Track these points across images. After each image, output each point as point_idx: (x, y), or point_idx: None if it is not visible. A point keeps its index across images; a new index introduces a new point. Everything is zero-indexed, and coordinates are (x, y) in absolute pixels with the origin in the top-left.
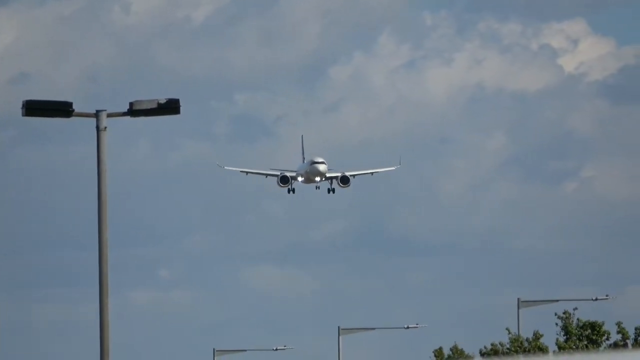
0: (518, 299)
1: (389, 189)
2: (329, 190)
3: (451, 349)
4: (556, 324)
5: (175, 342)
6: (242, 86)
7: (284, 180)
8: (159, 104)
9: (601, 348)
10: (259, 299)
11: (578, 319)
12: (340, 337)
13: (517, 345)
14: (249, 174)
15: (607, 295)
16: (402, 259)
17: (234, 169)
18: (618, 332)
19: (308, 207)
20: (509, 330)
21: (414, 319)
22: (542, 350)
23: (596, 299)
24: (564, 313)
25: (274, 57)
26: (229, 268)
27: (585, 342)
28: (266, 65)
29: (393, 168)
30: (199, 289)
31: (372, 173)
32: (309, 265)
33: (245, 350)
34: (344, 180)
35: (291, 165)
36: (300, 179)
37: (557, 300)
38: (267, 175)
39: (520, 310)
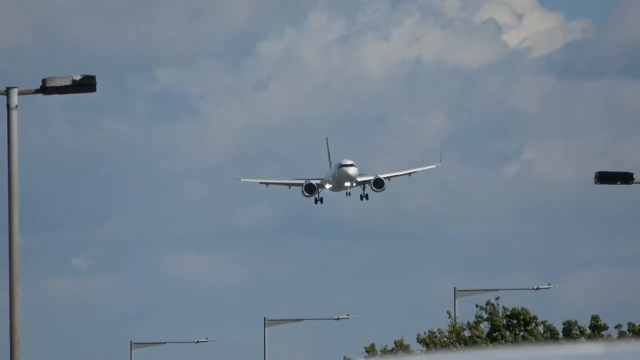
0: (454, 288)
1: None
2: (361, 197)
3: (396, 343)
4: (481, 316)
5: (90, 334)
6: (164, 62)
7: (310, 188)
8: (73, 81)
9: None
10: (180, 288)
11: (504, 308)
12: (266, 329)
13: (456, 334)
14: (269, 185)
15: (549, 284)
16: (332, 244)
17: (251, 180)
18: (545, 331)
19: (230, 190)
20: (449, 314)
21: (345, 309)
22: (481, 338)
23: (537, 288)
24: (487, 303)
25: (198, 31)
26: (149, 255)
27: (516, 332)
28: (190, 40)
29: (433, 166)
30: (116, 277)
31: (409, 174)
32: (234, 251)
33: (164, 343)
34: (378, 184)
35: (217, 149)
36: (327, 186)
37: (496, 290)
38: (290, 185)
39: (457, 300)
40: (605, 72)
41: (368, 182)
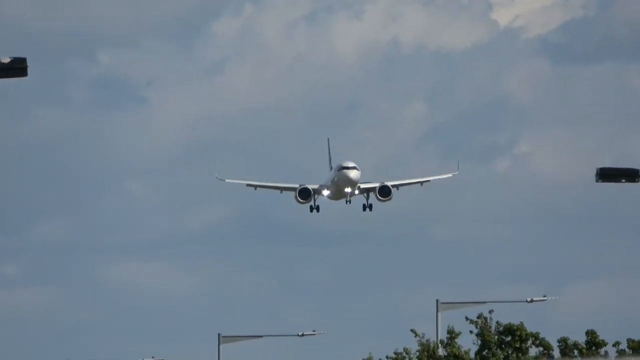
0: (437, 300)
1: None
2: (364, 207)
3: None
4: (470, 331)
5: (22, 351)
6: (105, 43)
7: (304, 194)
8: (1, 64)
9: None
10: (122, 301)
11: (497, 323)
12: (221, 346)
13: (428, 353)
14: (257, 188)
15: (544, 296)
16: (296, 251)
17: (237, 181)
18: (538, 345)
19: (182, 189)
20: (415, 333)
21: (311, 325)
22: (459, 357)
23: (532, 301)
24: (478, 317)
25: (144, 8)
26: (86, 263)
27: (509, 351)
28: (135, 18)
29: (450, 175)
30: (50, 288)
31: (421, 182)
32: (184, 259)
33: None
34: (384, 192)
35: (166, 142)
36: (325, 192)
37: (484, 302)
38: (282, 189)
39: (439, 314)
40: (609, 54)
41: (373, 189)
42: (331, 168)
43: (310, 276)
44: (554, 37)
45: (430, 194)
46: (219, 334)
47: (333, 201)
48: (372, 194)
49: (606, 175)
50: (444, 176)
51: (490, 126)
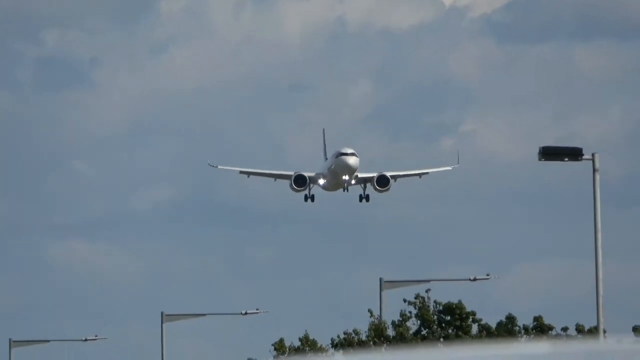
0: (380, 279)
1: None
2: (361, 198)
3: (301, 340)
4: (409, 312)
5: None
6: (47, 22)
7: (300, 181)
8: None
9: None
10: (65, 280)
11: (436, 302)
12: (164, 325)
13: (378, 333)
14: (250, 175)
15: (487, 275)
16: (241, 231)
17: (229, 168)
18: (481, 330)
19: (126, 169)
20: (371, 313)
21: (254, 304)
22: (406, 337)
23: (475, 279)
24: (416, 297)
25: None
26: (29, 242)
27: (449, 330)
28: None
29: (449, 168)
30: None
31: (419, 175)
32: (128, 239)
33: (48, 341)
34: (382, 182)
35: (109, 122)
36: (321, 182)
37: (428, 281)
38: (276, 177)
39: (383, 292)
40: (556, 34)
41: (370, 179)
42: (325, 158)
43: (254, 256)
44: (500, 16)
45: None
46: (162, 313)
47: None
48: (368, 185)
49: (549, 153)
50: (443, 169)
51: (436, 106)
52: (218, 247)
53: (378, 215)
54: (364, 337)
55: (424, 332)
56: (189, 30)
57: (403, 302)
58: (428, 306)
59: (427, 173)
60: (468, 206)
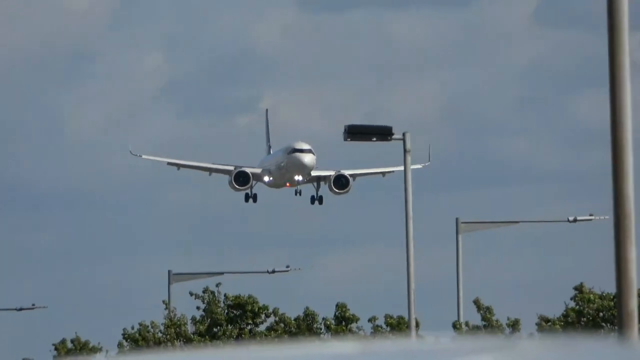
0: (169, 271)
1: None
2: (313, 199)
3: (73, 341)
4: (197, 307)
5: None
6: None
7: (241, 178)
8: None
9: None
10: None
11: (226, 296)
12: None
13: (174, 329)
14: (181, 167)
15: (288, 267)
16: (15, 215)
17: (155, 158)
18: (278, 323)
19: None
20: (165, 304)
21: (31, 299)
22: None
23: (273, 272)
24: (204, 291)
25: None
26: None
27: (241, 326)
28: None
29: (420, 166)
30: None
31: (383, 174)
32: None
33: None
34: (340, 183)
35: None
36: (266, 179)
37: (222, 273)
38: (210, 171)
39: (172, 286)
40: (365, 1)
41: (325, 178)
42: (269, 148)
43: (31, 244)
44: None
45: (164, 154)
46: None
47: (274, 190)
48: (323, 184)
49: (355, 133)
50: (414, 167)
51: (233, 79)
52: None
53: (162, 203)
54: (160, 333)
55: (216, 329)
56: None
57: (190, 295)
58: (218, 301)
59: (392, 172)
60: None
